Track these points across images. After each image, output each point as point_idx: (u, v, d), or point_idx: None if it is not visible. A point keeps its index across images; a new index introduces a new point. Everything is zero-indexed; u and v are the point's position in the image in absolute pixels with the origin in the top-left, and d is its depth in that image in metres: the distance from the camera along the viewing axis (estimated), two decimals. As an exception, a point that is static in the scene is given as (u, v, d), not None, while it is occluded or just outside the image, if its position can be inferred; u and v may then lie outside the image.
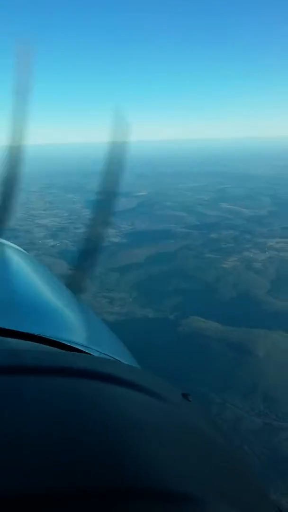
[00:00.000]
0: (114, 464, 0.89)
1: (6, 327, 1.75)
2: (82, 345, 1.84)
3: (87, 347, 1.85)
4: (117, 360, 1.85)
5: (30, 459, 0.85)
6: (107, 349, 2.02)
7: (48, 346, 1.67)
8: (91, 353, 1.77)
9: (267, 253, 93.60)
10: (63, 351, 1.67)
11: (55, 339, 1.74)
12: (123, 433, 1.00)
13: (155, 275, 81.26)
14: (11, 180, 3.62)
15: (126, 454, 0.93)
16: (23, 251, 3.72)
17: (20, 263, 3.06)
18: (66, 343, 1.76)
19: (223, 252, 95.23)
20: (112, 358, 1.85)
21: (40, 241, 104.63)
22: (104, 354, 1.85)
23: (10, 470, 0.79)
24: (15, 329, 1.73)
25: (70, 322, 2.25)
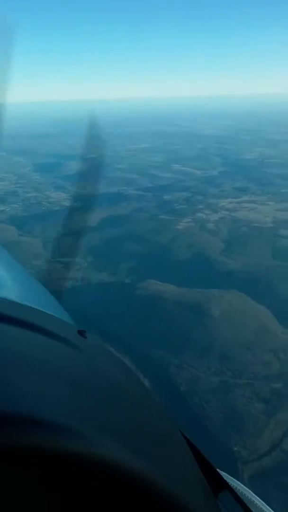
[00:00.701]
0: None
1: None
2: None
3: None
4: (12, 301, 1.86)
5: None
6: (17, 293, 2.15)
7: None
8: None
9: (219, 213, 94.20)
10: None
11: None
12: None
13: (109, 239, 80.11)
14: None
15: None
16: None
17: None
18: None
19: (177, 213, 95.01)
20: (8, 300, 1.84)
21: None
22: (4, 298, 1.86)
23: None
24: None
25: None
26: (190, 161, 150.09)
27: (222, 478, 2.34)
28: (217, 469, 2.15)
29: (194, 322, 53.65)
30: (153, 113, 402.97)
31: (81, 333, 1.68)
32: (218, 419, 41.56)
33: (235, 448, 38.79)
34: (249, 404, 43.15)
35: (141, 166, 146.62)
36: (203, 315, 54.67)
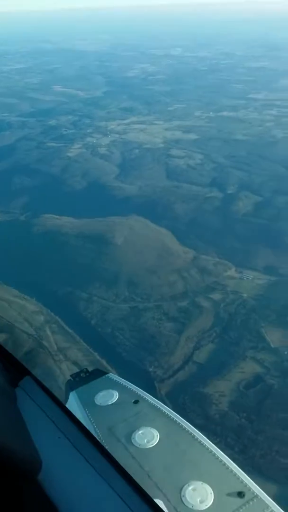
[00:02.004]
0: None
1: None
2: None
3: None
4: None
5: None
6: None
7: None
8: None
9: (109, 136, 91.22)
10: None
11: None
12: None
13: (-4, 174, 74.48)
14: None
15: None
16: None
17: None
18: None
19: (65, 139, 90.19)
20: None
21: None
22: None
23: None
24: None
25: None
26: (70, 82, 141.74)
27: (23, 365, 2.74)
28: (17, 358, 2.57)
29: (98, 253, 52.91)
30: (19, 29, 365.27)
31: None
32: (131, 344, 42.45)
33: (151, 369, 40.20)
34: (159, 325, 44.50)
35: (19, 89, 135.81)
36: (106, 244, 54.02)
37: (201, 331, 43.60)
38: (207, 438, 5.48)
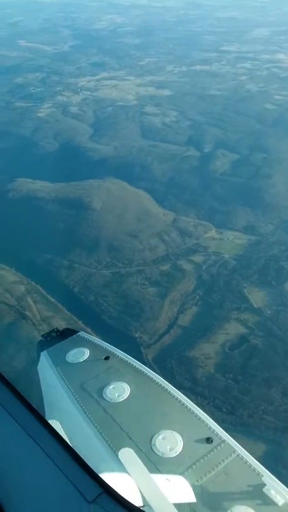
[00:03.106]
0: None
1: None
2: None
3: None
4: None
5: None
6: None
7: None
8: None
9: (80, 94, 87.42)
10: None
11: None
12: None
13: None
14: None
15: None
16: None
17: None
18: None
19: (34, 98, 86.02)
20: None
21: None
22: None
23: None
24: None
25: None
26: (35, 35, 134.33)
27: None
28: None
29: (77, 218, 51.53)
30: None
31: None
32: (116, 311, 42.06)
33: (136, 335, 40.12)
34: (142, 290, 44.11)
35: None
36: (85, 209, 52.56)
37: (185, 294, 43.52)
38: (195, 401, 5.44)
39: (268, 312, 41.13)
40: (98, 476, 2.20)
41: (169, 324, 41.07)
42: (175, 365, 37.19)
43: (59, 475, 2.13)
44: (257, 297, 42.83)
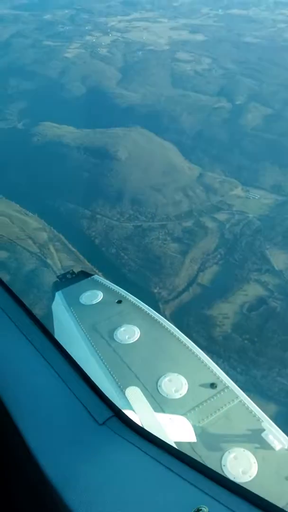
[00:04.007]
0: None
1: None
2: None
3: None
4: None
5: None
6: None
7: None
8: None
9: (110, 35, 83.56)
10: None
11: None
12: None
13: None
14: None
15: None
16: None
17: None
18: None
19: (63, 37, 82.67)
20: None
21: None
22: None
23: None
24: None
25: None
26: None
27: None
28: None
29: (101, 168, 50.61)
30: None
31: None
32: (136, 265, 42.05)
33: (155, 290, 40.24)
34: (164, 245, 43.85)
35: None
36: (110, 159, 51.45)
37: (206, 253, 43.17)
38: (211, 359, 5.73)
39: (289, 275, 40.75)
40: (109, 399, 2.18)
41: (189, 282, 41.05)
42: (192, 323, 37.44)
43: (69, 396, 2.18)
44: (279, 259, 42.26)
